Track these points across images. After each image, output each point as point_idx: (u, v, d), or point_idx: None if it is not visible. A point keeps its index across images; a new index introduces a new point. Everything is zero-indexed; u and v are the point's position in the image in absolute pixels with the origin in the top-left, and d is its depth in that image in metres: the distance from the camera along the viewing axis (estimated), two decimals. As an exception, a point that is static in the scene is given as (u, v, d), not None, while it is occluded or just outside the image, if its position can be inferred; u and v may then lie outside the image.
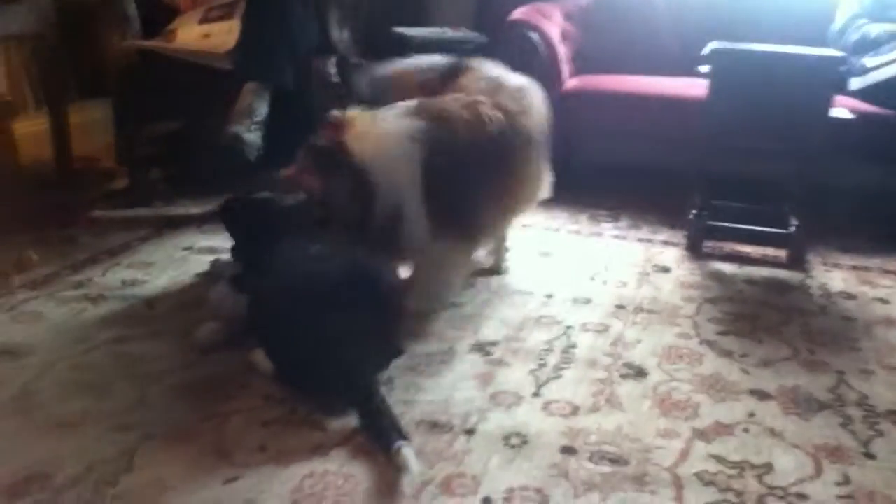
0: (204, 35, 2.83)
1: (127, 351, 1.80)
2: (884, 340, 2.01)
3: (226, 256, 2.20)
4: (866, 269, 2.51)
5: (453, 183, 1.90)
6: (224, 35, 2.77)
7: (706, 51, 2.50)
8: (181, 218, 2.73)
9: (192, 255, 2.41)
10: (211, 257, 2.31)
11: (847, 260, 2.58)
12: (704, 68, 2.53)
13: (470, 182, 1.95)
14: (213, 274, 2.19)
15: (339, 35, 3.12)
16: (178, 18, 2.98)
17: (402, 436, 1.42)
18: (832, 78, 2.36)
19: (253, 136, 2.40)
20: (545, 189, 2.28)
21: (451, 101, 2.00)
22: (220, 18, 2.89)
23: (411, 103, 1.97)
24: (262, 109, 2.47)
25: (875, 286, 2.37)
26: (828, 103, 2.36)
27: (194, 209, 2.83)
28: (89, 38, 3.03)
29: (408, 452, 1.37)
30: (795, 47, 2.54)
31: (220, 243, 2.38)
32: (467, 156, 1.92)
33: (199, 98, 2.82)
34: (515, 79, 2.21)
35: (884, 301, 2.26)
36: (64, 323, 1.93)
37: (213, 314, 1.89)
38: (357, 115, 1.91)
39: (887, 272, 2.49)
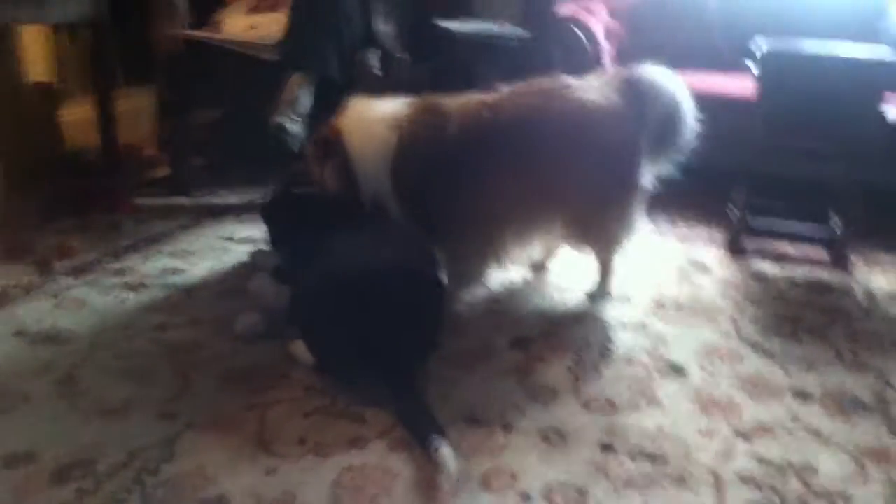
0: (251, 26, 2.84)
1: (168, 339, 1.83)
2: (930, 344, 1.97)
3: (265, 247, 2.22)
4: (912, 270, 2.46)
5: (431, 178, 1.87)
6: (271, 26, 2.79)
7: (754, 47, 2.46)
8: (221, 207, 2.76)
9: (231, 244, 2.43)
10: (250, 247, 2.34)
11: (890, 261, 2.52)
12: (753, 67, 2.49)
13: (458, 181, 1.88)
14: (254, 264, 2.20)
15: (384, 28, 3.13)
16: (225, 9, 3.00)
17: (440, 432, 1.43)
18: (884, 80, 2.30)
19: (297, 128, 2.41)
20: (621, 227, 2.06)
21: (463, 97, 1.97)
22: (268, 10, 2.91)
23: (418, 96, 1.97)
24: (306, 101, 2.47)
25: (921, 288, 2.32)
26: (879, 106, 2.30)
27: (234, 199, 2.86)
28: (137, 26, 3.07)
29: (446, 451, 1.37)
30: (847, 44, 2.50)
31: (260, 233, 2.39)
32: (456, 153, 1.87)
33: (242, 88, 2.85)
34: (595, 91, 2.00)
35: (931, 304, 2.22)
36: (106, 310, 1.96)
37: (253, 305, 1.90)
38: (354, 103, 1.95)
39: (934, 274, 2.44)
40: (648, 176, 2.05)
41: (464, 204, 1.91)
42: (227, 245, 2.42)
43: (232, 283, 2.14)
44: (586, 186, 1.97)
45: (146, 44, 3.04)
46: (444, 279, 1.77)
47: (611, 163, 1.96)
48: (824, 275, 2.40)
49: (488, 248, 2.01)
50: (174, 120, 2.94)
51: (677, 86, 2.06)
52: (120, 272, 2.18)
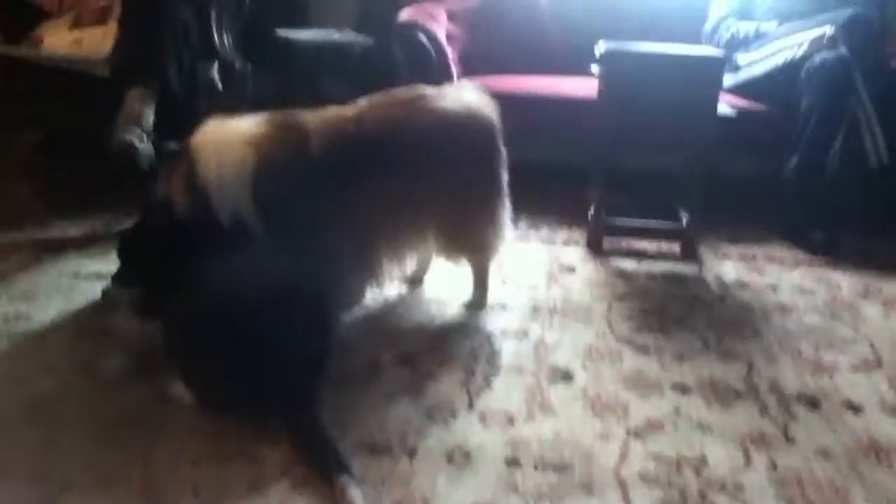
0: (75, 41, 2.64)
1: (25, 392, 1.64)
2: (781, 327, 2.13)
3: (118, 281, 2.06)
4: (753, 257, 2.65)
5: (296, 197, 1.80)
6: (98, 41, 2.60)
7: (597, 51, 2.57)
8: (60, 240, 2.53)
9: (78, 281, 2.23)
10: (100, 283, 2.15)
11: (735, 249, 2.71)
12: (596, 68, 2.60)
13: (325, 199, 1.81)
14: (108, 301, 2.04)
15: (221, 39, 2.99)
16: (44, 24, 2.76)
17: (344, 465, 1.37)
18: (717, 77, 2.46)
19: (145, 145, 2.26)
20: (494, 234, 2.09)
21: (322, 112, 1.91)
22: (93, 24, 2.70)
23: (276, 113, 1.90)
24: (149, 117, 2.32)
25: (764, 274, 2.51)
26: (714, 101, 2.48)
27: (73, 230, 2.63)
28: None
29: (354, 492, 1.31)
30: (679, 46, 2.66)
31: (107, 267, 2.22)
32: (320, 170, 1.80)
33: (68, 107, 2.63)
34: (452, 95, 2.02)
35: (774, 288, 2.39)
36: (-55, 368, 1.75)
37: (117, 344, 1.76)
38: (210, 123, 1.86)
39: (772, 259, 2.64)
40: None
41: (333, 222, 1.84)
42: (74, 282, 2.22)
43: (88, 324, 1.96)
44: (454, 196, 1.97)
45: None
46: (330, 298, 1.70)
47: (477, 171, 2.00)
48: (678, 267, 2.54)
49: (363, 266, 1.96)
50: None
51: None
52: (-47, 323, 1.95)
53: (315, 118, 1.88)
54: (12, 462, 1.41)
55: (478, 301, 2.15)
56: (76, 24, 2.75)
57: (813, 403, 1.73)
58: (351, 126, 1.87)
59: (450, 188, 1.95)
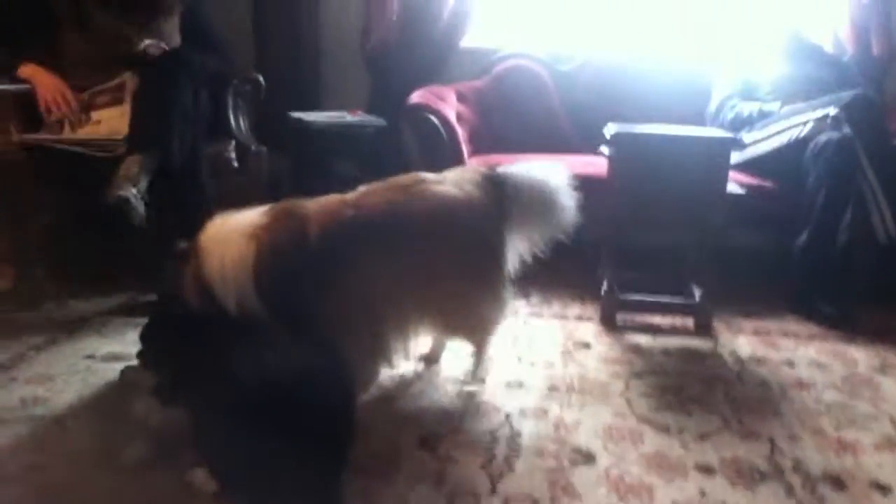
0: (96, 122, 2.69)
1: (45, 481, 1.63)
2: (801, 403, 2.12)
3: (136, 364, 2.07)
4: (767, 332, 2.66)
5: (297, 285, 1.82)
6: (117, 120, 2.65)
7: (607, 133, 2.63)
8: (76, 321, 2.54)
9: (95, 363, 2.23)
10: (117, 364, 2.15)
11: (748, 324, 2.72)
12: (605, 149, 2.65)
13: (324, 284, 1.83)
14: (127, 384, 2.03)
15: (238, 121, 3.07)
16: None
17: None
18: (725, 157, 2.51)
19: (138, 203, 2.31)
20: (491, 314, 2.10)
21: (322, 199, 1.95)
22: (109, 104, 2.76)
23: (278, 203, 1.94)
24: (144, 182, 2.38)
25: (779, 349, 2.51)
26: (724, 180, 2.52)
27: (88, 309, 2.64)
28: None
29: None
30: (686, 127, 2.72)
31: (124, 348, 2.24)
32: (319, 256, 1.82)
33: (79, 188, 2.68)
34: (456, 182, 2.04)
35: (790, 363, 2.39)
36: (-37, 454, 1.73)
37: (138, 430, 1.75)
38: (216, 218, 1.90)
39: (786, 334, 2.65)
40: (514, 260, 2.15)
41: (334, 307, 1.85)
42: (91, 364, 2.22)
43: (107, 408, 1.96)
44: (451, 278, 1.98)
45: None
46: (349, 383, 1.70)
47: (473, 254, 2.01)
48: (693, 342, 2.55)
49: (370, 348, 1.95)
50: (12, 230, 2.70)
51: (546, 174, 2.17)
52: (-29, 407, 1.95)
53: (314, 205, 1.92)
54: (33, 554, 1.39)
55: (474, 376, 2.18)
56: (92, 105, 2.80)
57: (839, 484, 1.71)
58: (349, 210, 1.90)
59: (446, 270, 1.97)
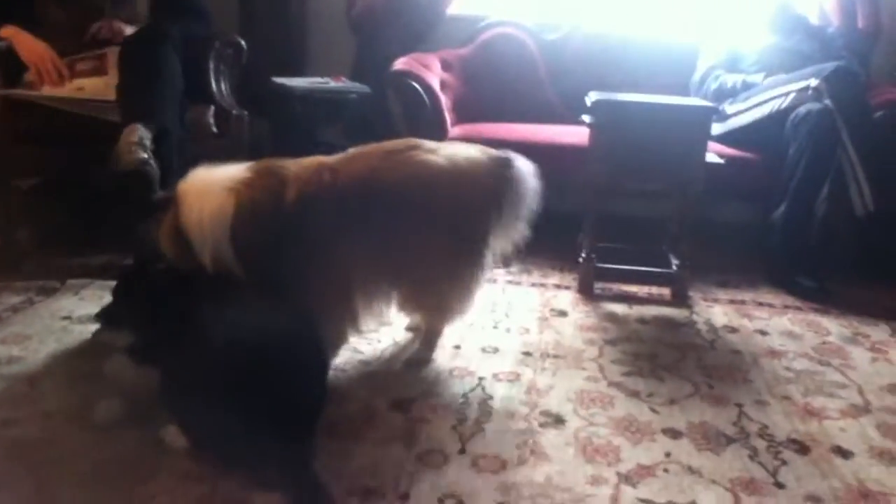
0: (77, 88, 2.68)
1: (15, 436, 1.64)
2: (771, 371, 2.15)
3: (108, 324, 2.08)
4: (742, 302, 2.69)
5: (271, 244, 1.80)
6: (101, 89, 2.64)
7: (588, 101, 2.63)
8: (54, 284, 2.54)
9: (72, 324, 2.23)
10: (93, 326, 2.16)
11: (724, 294, 2.75)
12: (587, 118, 2.65)
13: (297, 246, 1.81)
14: (98, 344, 2.04)
15: (219, 86, 3.05)
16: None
17: None
18: (706, 126, 2.52)
19: (154, 165, 2.30)
20: (458, 299, 2.01)
21: (305, 160, 1.93)
22: (90, 74, 2.75)
23: (260, 160, 1.93)
24: (149, 143, 2.36)
25: (753, 318, 2.53)
26: (703, 149, 2.52)
27: (67, 273, 2.64)
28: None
29: None
30: (667, 97, 2.73)
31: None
32: (294, 218, 1.80)
33: (63, 150, 2.67)
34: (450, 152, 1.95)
35: (763, 332, 2.42)
36: (-65, 410, 1.74)
37: (110, 389, 1.76)
38: (197, 170, 1.89)
39: (760, 304, 2.68)
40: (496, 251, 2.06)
41: (306, 269, 1.84)
42: (67, 325, 2.23)
43: (79, 368, 1.96)
44: (423, 252, 1.92)
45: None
46: (323, 344, 1.71)
47: (452, 230, 1.92)
48: (668, 311, 2.57)
49: (339, 312, 1.93)
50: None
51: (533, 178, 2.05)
52: (-55, 365, 1.95)
53: (295, 166, 1.89)
54: (2, 507, 1.41)
55: (420, 358, 2.10)
56: (74, 73, 2.79)
57: (802, 449, 1.74)
58: (327, 174, 1.87)
59: (420, 243, 1.91)
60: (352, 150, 1.97)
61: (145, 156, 2.30)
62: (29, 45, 2.67)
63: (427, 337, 2.13)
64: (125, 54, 2.60)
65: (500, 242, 2.06)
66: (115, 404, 1.71)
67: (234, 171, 1.87)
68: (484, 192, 1.94)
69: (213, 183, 1.84)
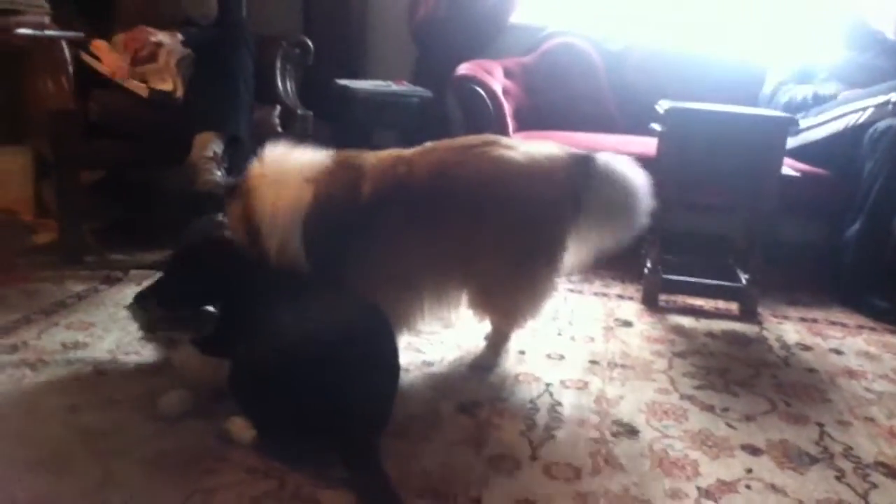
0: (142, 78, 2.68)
1: (83, 422, 1.62)
2: (850, 391, 2.05)
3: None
4: (814, 320, 2.59)
5: (344, 238, 1.78)
6: (156, 79, 2.64)
7: (659, 109, 2.57)
8: (118, 274, 2.54)
9: (135, 314, 2.23)
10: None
11: (794, 312, 2.65)
12: (657, 126, 2.59)
13: (370, 240, 1.79)
14: (162, 332, 2.04)
15: (284, 85, 3.05)
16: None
17: None
18: (782, 138, 2.44)
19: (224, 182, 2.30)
20: (527, 303, 1.94)
21: (383, 153, 1.90)
22: (146, 60, 2.74)
23: (337, 151, 1.89)
24: (223, 159, 2.37)
25: (826, 337, 2.44)
26: (779, 162, 2.45)
27: (130, 264, 2.64)
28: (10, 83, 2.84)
29: None
30: (738, 107, 2.65)
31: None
32: (368, 211, 1.78)
33: (132, 146, 2.68)
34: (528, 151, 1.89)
35: (838, 352, 2.33)
36: (5, 393, 1.73)
37: (176, 380, 1.74)
38: (273, 150, 1.86)
39: (833, 323, 2.58)
40: (578, 254, 1.99)
41: (376, 263, 1.82)
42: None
43: (145, 357, 1.95)
44: (496, 252, 1.85)
45: (15, 100, 2.81)
46: (395, 341, 1.67)
47: (527, 231, 1.85)
48: (738, 326, 2.49)
49: (405, 309, 1.91)
50: (60, 181, 2.71)
51: (631, 171, 1.96)
52: (13, 348, 1.94)
53: (372, 158, 1.87)
54: (64, 494, 1.38)
55: (486, 363, 2.04)
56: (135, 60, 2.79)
57: (892, 472, 1.65)
58: (402, 167, 1.84)
59: (493, 243, 1.84)
60: (429, 144, 1.93)
61: (220, 176, 2.30)
62: (110, 60, 2.68)
63: (494, 340, 2.07)
64: (200, 58, 2.61)
65: (586, 246, 1.98)
66: (181, 395, 1.68)
67: (312, 160, 1.84)
68: (561, 190, 1.86)
69: (290, 172, 1.81)
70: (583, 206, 1.90)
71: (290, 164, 1.84)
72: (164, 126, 2.57)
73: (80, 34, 2.66)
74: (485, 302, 1.96)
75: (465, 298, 1.97)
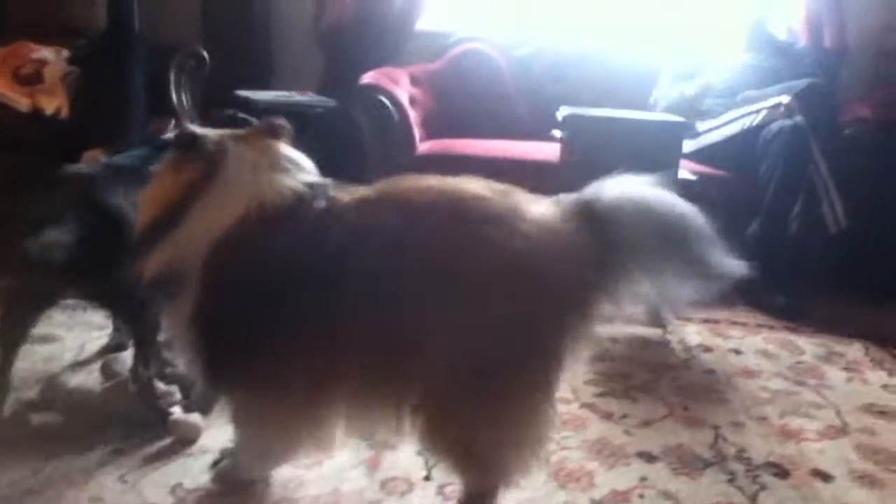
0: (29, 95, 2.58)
1: None
2: (746, 391, 2.09)
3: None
4: (716, 321, 2.64)
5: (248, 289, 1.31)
6: (44, 98, 2.54)
7: (559, 115, 2.57)
8: None
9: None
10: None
11: (698, 313, 2.69)
12: (558, 132, 2.60)
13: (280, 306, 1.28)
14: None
15: (179, 98, 2.96)
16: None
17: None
18: (678, 142, 2.48)
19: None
20: (508, 451, 1.31)
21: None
22: (32, 80, 2.63)
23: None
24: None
25: (727, 338, 2.49)
26: (676, 165, 2.48)
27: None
28: None
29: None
30: (639, 112, 2.69)
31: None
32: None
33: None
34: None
35: (737, 352, 2.37)
36: None
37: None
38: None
39: (734, 323, 2.63)
40: (584, 346, 1.35)
41: (279, 338, 1.30)
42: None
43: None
44: (462, 363, 1.23)
45: None
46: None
47: (502, 338, 1.23)
48: (641, 330, 2.51)
49: (301, 413, 1.37)
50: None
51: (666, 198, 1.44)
52: None
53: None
54: None
55: None
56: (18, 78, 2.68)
57: (782, 472, 1.68)
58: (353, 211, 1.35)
59: (459, 342, 1.23)
60: (379, 184, 1.42)
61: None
62: None
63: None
64: (85, 72, 2.52)
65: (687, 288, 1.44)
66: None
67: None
68: (569, 265, 1.29)
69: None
70: (615, 265, 1.33)
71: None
72: (49, 141, 2.46)
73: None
74: (441, 437, 1.31)
75: (413, 424, 1.32)
